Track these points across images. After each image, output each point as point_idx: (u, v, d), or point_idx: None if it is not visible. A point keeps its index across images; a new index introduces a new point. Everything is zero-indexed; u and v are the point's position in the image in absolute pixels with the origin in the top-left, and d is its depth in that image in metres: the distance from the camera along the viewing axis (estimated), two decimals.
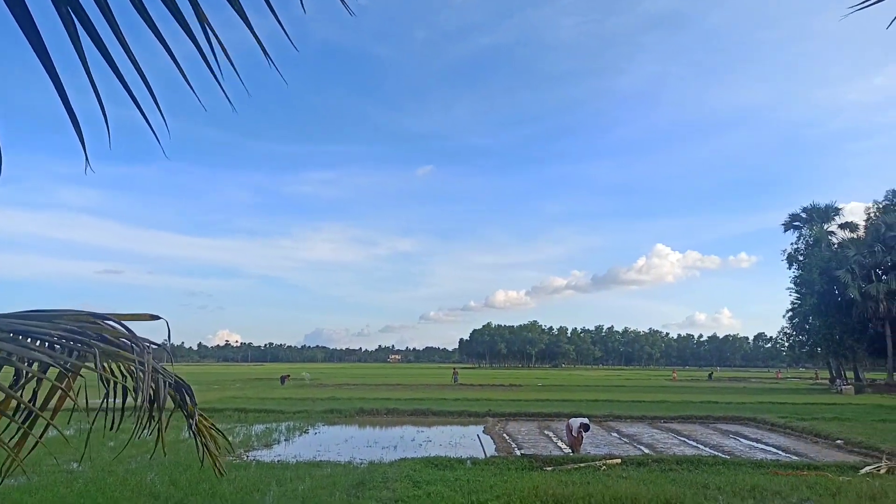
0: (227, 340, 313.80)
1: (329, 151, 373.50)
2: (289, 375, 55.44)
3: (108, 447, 14.54)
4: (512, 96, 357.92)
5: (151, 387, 2.22)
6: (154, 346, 2.25)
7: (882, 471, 12.55)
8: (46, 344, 1.98)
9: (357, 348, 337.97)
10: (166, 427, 2.67)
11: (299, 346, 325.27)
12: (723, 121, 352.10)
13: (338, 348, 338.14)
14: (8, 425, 2.18)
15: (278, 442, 17.39)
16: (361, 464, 13.15)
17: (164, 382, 2.24)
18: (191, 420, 2.50)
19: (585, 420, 16.10)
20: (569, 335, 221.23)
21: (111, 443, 15.08)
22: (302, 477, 11.50)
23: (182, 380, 2.50)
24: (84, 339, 1.99)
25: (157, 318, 2.31)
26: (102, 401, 2.47)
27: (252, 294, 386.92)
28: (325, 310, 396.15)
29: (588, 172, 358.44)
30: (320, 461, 13.52)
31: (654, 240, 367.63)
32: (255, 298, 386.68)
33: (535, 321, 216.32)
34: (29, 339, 1.91)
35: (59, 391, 2.30)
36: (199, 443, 2.57)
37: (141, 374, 2.16)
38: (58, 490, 9.58)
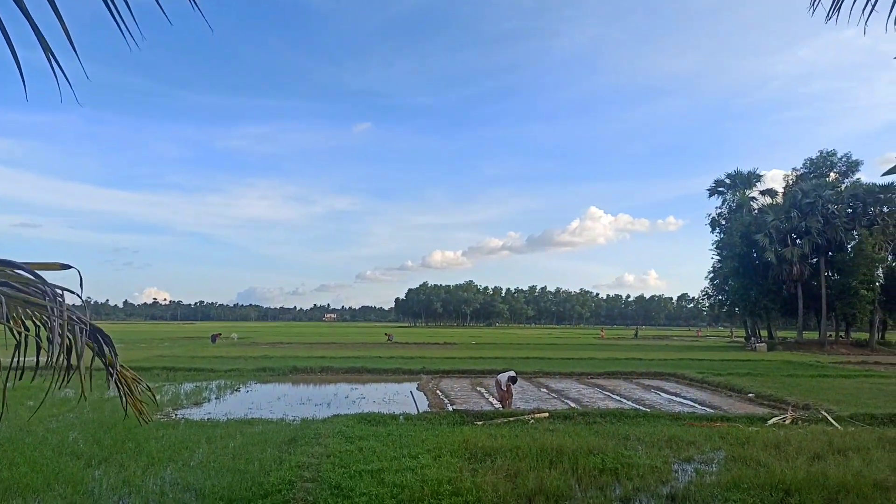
0: (154, 298, 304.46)
1: (263, 105, 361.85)
2: (220, 334, 54.47)
3: (27, 406, 14.00)
4: (453, 55, 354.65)
5: (68, 336, 2.14)
6: (67, 293, 2.16)
7: (787, 421, 13.49)
8: None
9: (292, 307, 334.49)
10: (91, 386, 2.59)
11: (232, 305, 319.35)
12: (656, 87, 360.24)
13: (272, 307, 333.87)
14: None
15: (208, 400, 17.15)
16: (294, 421, 13.14)
17: (81, 330, 2.16)
18: (112, 370, 2.42)
19: (513, 373, 16.57)
20: (503, 295, 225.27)
21: (30, 402, 14.52)
22: (233, 434, 11.40)
23: (99, 328, 2.41)
24: None
25: (68, 267, 2.21)
26: (13, 354, 2.36)
27: (182, 251, 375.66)
28: (259, 268, 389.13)
29: (526, 135, 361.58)
30: (252, 419, 13.43)
31: (588, 203, 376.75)
32: (186, 255, 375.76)
33: (471, 281, 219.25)
34: None
35: None
36: (121, 393, 2.50)
37: (55, 322, 2.07)
38: None
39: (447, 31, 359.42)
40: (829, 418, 13.72)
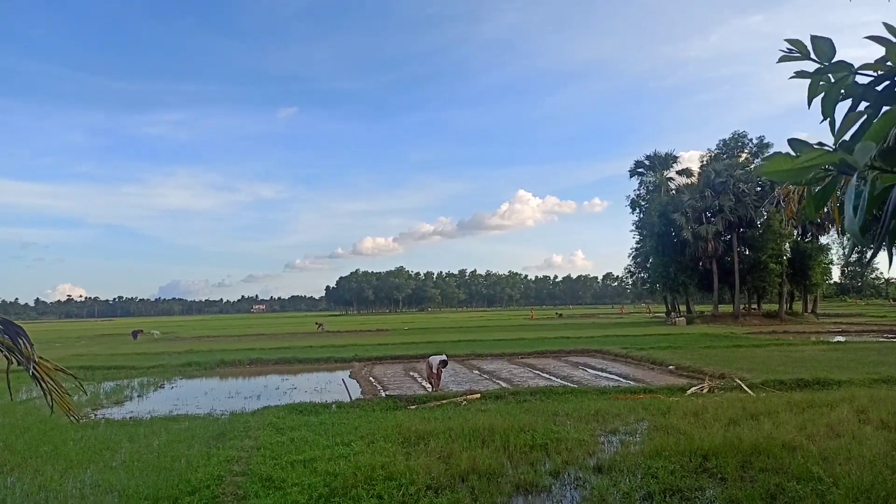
0: (69, 295, 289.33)
1: (180, 90, 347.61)
2: (142, 330, 52.36)
3: None
4: (375, 40, 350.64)
5: None
6: None
7: (705, 390, 14.21)
8: None
9: (218, 299, 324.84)
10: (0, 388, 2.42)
11: (153, 299, 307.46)
12: (576, 72, 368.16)
13: (197, 300, 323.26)
14: None
15: (130, 399, 16.51)
16: (222, 415, 12.83)
17: None
18: (29, 364, 2.29)
19: (444, 357, 16.76)
20: (435, 279, 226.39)
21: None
22: (157, 432, 11.03)
23: (8, 320, 2.28)
24: None
25: None
26: None
27: (97, 245, 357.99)
28: (181, 260, 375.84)
29: (451, 120, 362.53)
30: (177, 415, 13.02)
31: (516, 186, 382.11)
32: (101, 249, 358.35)
33: (402, 267, 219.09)
34: None
35: None
36: (44, 388, 2.36)
37: None
38: None
39: (368, 15, 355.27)
40: (743, 386, 14.54)
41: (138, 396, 16.94)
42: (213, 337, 46.26)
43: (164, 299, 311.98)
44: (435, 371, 16.27)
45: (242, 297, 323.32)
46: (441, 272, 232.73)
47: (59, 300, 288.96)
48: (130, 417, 12.99)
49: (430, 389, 16.06)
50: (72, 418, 2.59)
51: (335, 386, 18.34)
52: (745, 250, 54.04)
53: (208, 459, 8.80)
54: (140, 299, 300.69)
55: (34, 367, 2.32)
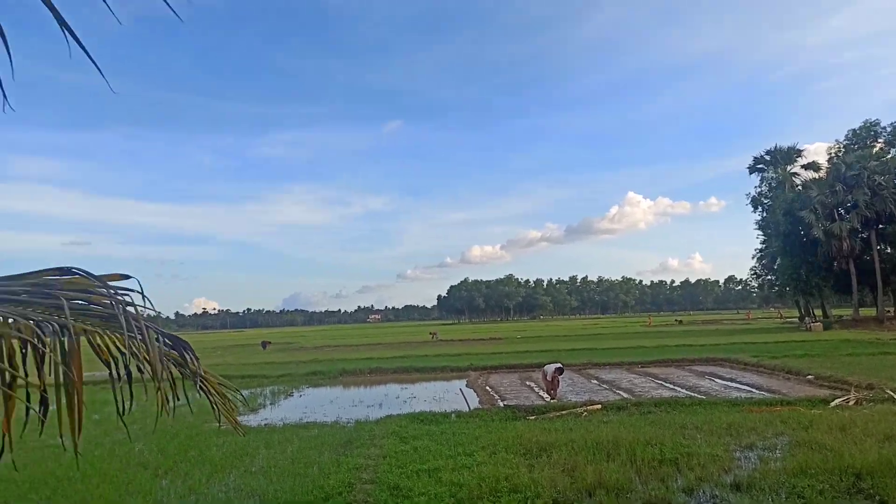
0: (204, 308, 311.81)
1: (294, 112, 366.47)
2: (270, 341, 55.45)
3: (93, 420, 14.50)
4: (478, 47, 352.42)
5: (144, 346, 2.21)
6: (132, 304, 2.23)
7: (851, 402, 13.07)
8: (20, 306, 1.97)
9: (336, 310, 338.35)
10: (168, 397, 2.65)
11: (278, 311, 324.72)
12: (685, 66, 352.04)
13: (317, 311, 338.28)
14: None
15: (264, 406, 17.51)
16: (348, 423, 13.32)
17: (159, 340, 2.23)
18: (196, 378, 2.50)
19: (559, 364, 16.51)
20: (545, 287, 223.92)
21: (95, 416, 15.03)
22: (290, 439, 11.63)
23: (178, 336, 2.49)
24: (51, 292, 1.98)
25: (126, 277, 2.30)
26: (112, 369, 2.44)
27: (226, 260, 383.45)
28: (300, 273, 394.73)
29: (554, 124, 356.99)
30: (307, 423, 13.66)
31: (625, 188, 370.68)
32: (230, 265, 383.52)
33: (511, 275, 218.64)
34: None
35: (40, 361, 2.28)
36: (211, 402, 2.57)
37: (135, 338, 2.15)
38: (46, 465, 9.58)
39: (470, 23, 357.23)
40: None
41: (270, 404, 17.93)
42: (334, 346, 48.21)
43: (288, 311, 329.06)
44: (551, 379, 16.07)
45: (359, 307, 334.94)
46: (551, 279, 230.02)
47: (195, 313, 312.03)
48: (265, 424, 13.76)
49: (548, 399, 15.86)
50: (239, 433, 2.78)
51: (452, 395, 18.54)
52: (887, 248, 49.37)
53: (338, 466, 9.15)
54: (266, 311, 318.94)
55: (201, 381, 2.50)
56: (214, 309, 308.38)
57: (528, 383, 20.37)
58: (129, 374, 2.34)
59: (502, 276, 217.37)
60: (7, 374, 2.19)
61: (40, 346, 2.07)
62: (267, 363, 32.00)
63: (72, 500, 7.91)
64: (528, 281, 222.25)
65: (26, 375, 2.22)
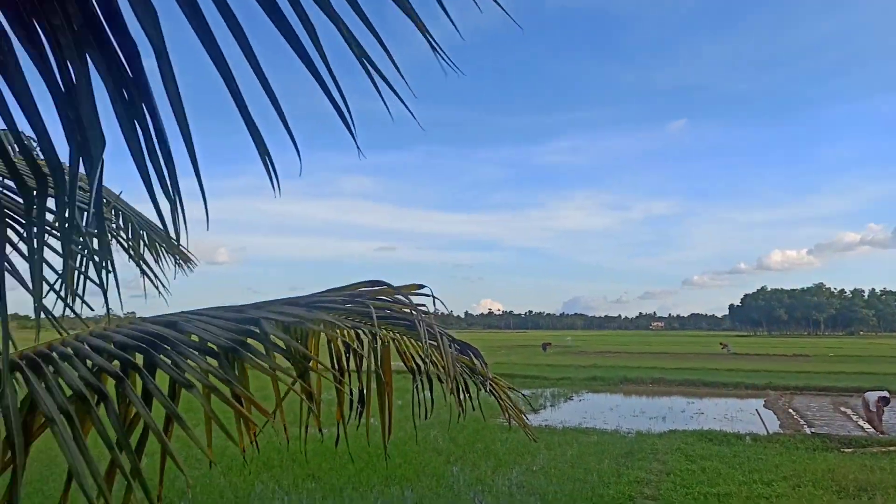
0: (489, 309, 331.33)
1: (574, 119, 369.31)
2: (550, 343, 56.67)
3: (397, 405, 16.35)
4: (772, 32, 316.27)
5: (437, 350, 2.41)
6: (428, 313, 2.45)
7: None
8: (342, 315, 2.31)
9: (616, 315, 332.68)
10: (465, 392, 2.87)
11: (558, 314, 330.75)
12: None
13: (596, 315, 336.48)
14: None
15: (544, 407, 17.93)
16: (628, 433, 12.97)
17: (451, 344, 2.43)
18: (486, 382, 2.68)
19: (884, 393, 13.95)
20: (866, 298, 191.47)
21: (399, 401, 16.92)
22: (569, 442, 11.72)
23: (468, 344, 2.69)
24: (363, 301, 2.27)
25: (422, 286, 2.54)
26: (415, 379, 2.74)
27: (510, 265, 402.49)
28: (581, 277, 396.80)
29: (877, 108, 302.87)
30: (586, 428, 13.64)
31: None
32: (513, 269, 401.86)
33: (822, 283, 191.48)
34: (319, 311, 2.23)
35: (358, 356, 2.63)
36: (501, 405, 2.74)
37: (429, 339, 2.36)
38: (360, 441, 11.06)
39: (759, 6, 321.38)
40: None
41: (550, 406, 18.30)
42: (614, 352, 47.38)
43: (568, 314, 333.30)
44: (875, 410, 13.67)
45: (640, 313, 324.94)
46: (874, 289, 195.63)
47: (482, 313, 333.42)
48: (545, 425, 14.09)
49: (871, 431, 13.52)
50: (530, 436, 2.88)
51: (747, 415, 16.87)
52: None
53: (618, 477, 8.95)
54: (547, 314, 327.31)
55: (490, 386, 2.64)
56: (499, 310, 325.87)
57: (842, 409, 17.60)
58: (429, 380, 2.59)
59: (810, 285, 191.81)
60: (338, 370, 2.58)
61: (359, 349, 2.39)
62: (548, 365, 32.76)
63: (379, 475, 9.00)
64: (842, 291, 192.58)
65: (349, 373, 2.58)
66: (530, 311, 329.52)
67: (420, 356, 2.58)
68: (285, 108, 1.37)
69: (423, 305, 2.43)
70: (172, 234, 1.44)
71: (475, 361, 2.65)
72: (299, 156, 1.45)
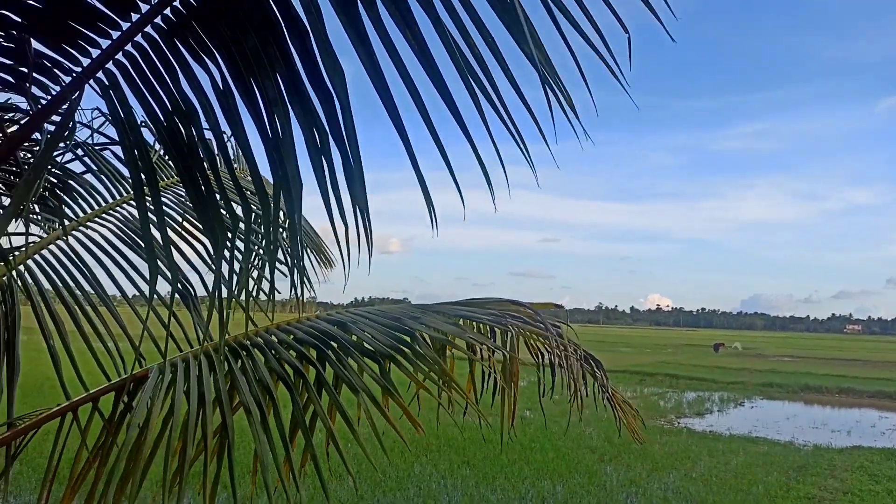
0: (657, 304, 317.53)
1: (760, 100, 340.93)
2: (723, 343, 53.26)
3: (553, 399, 16.47)
4: None
5: (566, 358, 2.63)
6: (559, 329, 2.65)
7: None
8: (475, 326, 2.59)
9: (804, 316, 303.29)
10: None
11: (735, 313, 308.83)
12: None
13: (780, 315, 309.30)
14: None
15: (710, 412, 17.07)
16: (804, 446, 12.05)
17: (578, 354, 2.63)
18: (605, 392, 2.85)
19: None
20: None
21: (556, 396, 17.04)
22: (735, 451, 11.17)
23: (590, 354, 2.86)
24: (504, 321, 2.51)
25: (559, 307, 2.74)
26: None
27: (680, 258, 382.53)
28: (762, 273, 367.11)
29: None
30: (756, 437, 12.85)
31: None
32: (684, 262, 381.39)
33: None
34: (462, 321, 2.52)
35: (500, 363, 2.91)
36: (615, 413, 2.91)
37: (557, 349, 2.59)
38: (514, 433, 11.37)
39: None
40: None
41: (718, 411, 17.37)
42: (798, 357, 43.43)
43: (746, 313, 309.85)
44: None
45: (832, 314, 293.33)
46: None
47: (649, 309, 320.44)
48: (710, 431, 13.48)
49: None
50: (636, 440, 3.02)
51: None
52: None
53: (787, 492, 8.44)
54: (722, 312, 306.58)
55: (609, 397, 2.80)
56: (668, 306, 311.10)
57: None
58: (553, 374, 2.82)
59: None
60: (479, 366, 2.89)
61: (490, 354, 2.68)
62: (718, 367, 30.90)
63: (532, 466, 9.26)
64: None
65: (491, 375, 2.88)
66: (703, 309, 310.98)
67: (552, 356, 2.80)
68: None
69: (558, 328, 2.64)
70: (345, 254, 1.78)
71: (597, 374, 2.81)
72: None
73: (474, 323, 2.58)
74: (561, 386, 3.03)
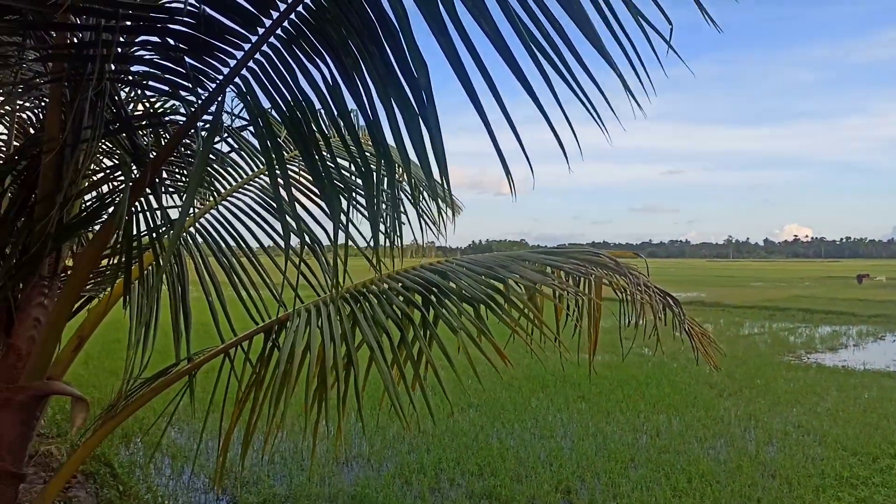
0: (795, 235, 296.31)
1: None
2: (867, 275, 49.27)
3: (677, 337, 16.33)
4: None
5: (650, 298, 2.90)
6: (638, 273, 2.91)
7: None
8: (563, 273, 2.89)
9: None
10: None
11: (885, 241, 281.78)
12: None
13: None
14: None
15: (845, 346, 16.22)
16: None
17: (653, 292, 2.89)
18: (682, 324, 3.09)
19: None
20: None
21: (677, 333, 16.87)
22: (868, 385, 10.73)
23: (666, 292, 3.09)
24: (586, 266, 2.81)
25: (638, 256, 2.98)
26: (620, 313, 3.25)
27: (820, 183, 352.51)
28: None
29: None
30: (893, 371, 12.21)
31: None
32: (824, 188, 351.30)
33: None
34: (549, 269, 2.83)
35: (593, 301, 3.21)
36: (693, 345, 3.15)
37: (636, 289, 2.86)
38: (631, 370, 11.54)
39: None
40: None
41: (854, 345, 16.48)
42: None
43: None
44: None
45: None
46: None
47: (785, 240, 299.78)
48: (842, 366, 12.93)
49: None
50: (711, 366, 3.26)
51: None
52: None
53: None
54: (869, 240, 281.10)
55: (687, 327, 3.03)
56: (807, 236, 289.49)
57: None
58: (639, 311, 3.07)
59: None
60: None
61: (569, 287, 2.97)
62: (860, 300, 28.85)
63: (648, 401, 9.45)
64: None
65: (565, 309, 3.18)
66: (847, 238, 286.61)
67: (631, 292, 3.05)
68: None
69: (637, 270, 2.89)
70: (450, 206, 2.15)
71: (674, 309, 3.04)
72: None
73: (561, 271, 2.89)
74: (645, 324, 3.29)
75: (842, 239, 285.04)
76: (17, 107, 3.42)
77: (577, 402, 9.41)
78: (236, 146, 3.61)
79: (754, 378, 11.40)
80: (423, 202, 4.44)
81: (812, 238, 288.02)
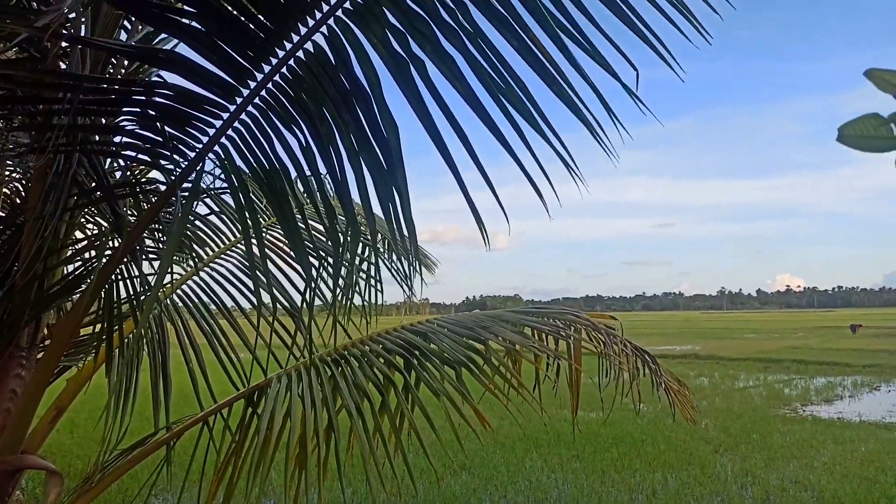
0: (787, 285, 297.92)
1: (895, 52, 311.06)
2: (861, 325, 49.29)
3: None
4: None
5: (623, 360, 2.90)
6: (615, 334, 2.92)
7: None
8: (544, 334, 2.91)
9: None
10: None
11: (876, 289, 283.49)
12: None
13: None
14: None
15: (840, 398, 16.10)
16: None
17: (631, 352, 2.89)
18: (660, 381, 3.08)
19: None
20: None
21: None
22: (864, 438, 10.61)
23: (643, 349, 3.10)
24: (564, 329, 2.82)
25: (614, 318, 3.01)
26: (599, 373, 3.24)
27: (811, 233, 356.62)
28: None
29: None
30: (889, 423, 12.11)
31: None
32: (816, 238, 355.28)
33: None
34: (527, 329, 2.84)
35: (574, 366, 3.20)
36: (670, 400, 3.15)
37: (611, 350, 2.86)
38: (626, 427, 11.38)
39: None
40: None
41: (849, 396, 16.36)
42: None
43: (889, 289, 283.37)
44: None
45: None
46: None
47: (777, 290, 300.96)
48: (838, 418, 12.82)
49: None
50: (689, 422, 3.24)
51: None
52: None
53: None
54: (861, 289, 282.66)
55: (665, 386, 3.02)
56: (799, 286, 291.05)
57: None
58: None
59: None
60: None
61: (548, 350, 2.97)
62: (854, 350, 28.81)
63: (643, 459, 9.30)
64: None
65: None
66: (839, 287, 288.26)
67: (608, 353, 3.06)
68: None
69: (615, 331, 2.91)
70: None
71: (649, 366, 3.04)
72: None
73: (542, 332, 2.91)
74: (623, 383, 3.28)
75: (834, 288, 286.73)
76: (5, 178, 3.46)
77: (571, 461, 9.24)
78: (217, 209, 3.64)
79: (750, 432, 11.26)
80: (394, 262, 4.46)
81: (804, 288, 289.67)
